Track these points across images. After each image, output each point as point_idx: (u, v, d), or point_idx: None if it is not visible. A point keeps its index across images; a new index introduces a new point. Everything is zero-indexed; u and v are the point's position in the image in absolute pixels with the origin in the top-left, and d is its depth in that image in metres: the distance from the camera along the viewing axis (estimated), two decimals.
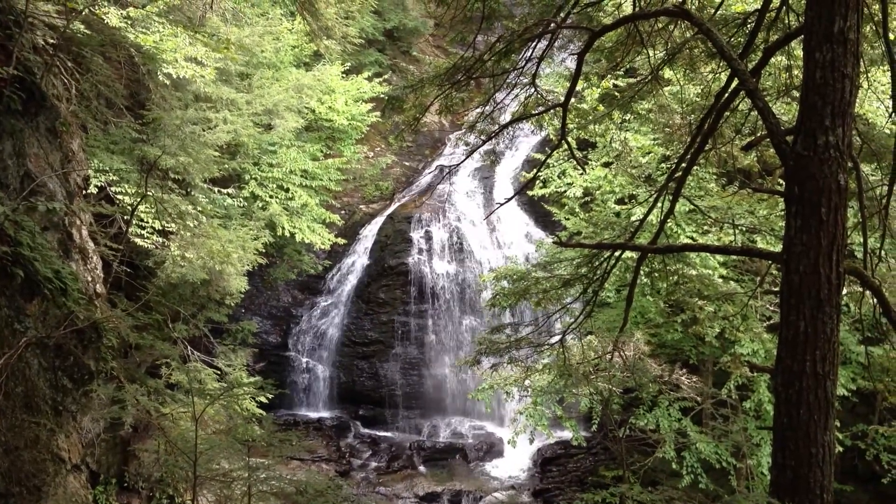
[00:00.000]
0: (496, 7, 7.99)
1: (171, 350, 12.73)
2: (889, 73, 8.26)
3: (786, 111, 10.38)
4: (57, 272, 6.78)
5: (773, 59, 7.36)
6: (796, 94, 8.80)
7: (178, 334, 14.83)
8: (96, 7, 10.32)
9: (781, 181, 12.01)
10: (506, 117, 9.52)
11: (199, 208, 14.47)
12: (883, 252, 7.56)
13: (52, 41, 8.87)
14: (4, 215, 6.38)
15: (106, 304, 9.52)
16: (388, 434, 20.76)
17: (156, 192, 12.76)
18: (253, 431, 7.65)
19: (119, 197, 13.65)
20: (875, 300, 6.13)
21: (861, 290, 7.35)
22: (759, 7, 6.96)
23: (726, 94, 6.84)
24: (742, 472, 12.86)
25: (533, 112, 8.55)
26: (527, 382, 13.15)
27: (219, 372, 15.27)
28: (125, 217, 13.68)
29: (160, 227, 14.12)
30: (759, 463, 12.56)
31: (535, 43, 7.57)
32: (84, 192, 10.97)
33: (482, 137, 8.78)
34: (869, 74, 8.82)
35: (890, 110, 9.29)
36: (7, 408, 6.80)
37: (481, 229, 22.27)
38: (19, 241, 6.56)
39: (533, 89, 8.45)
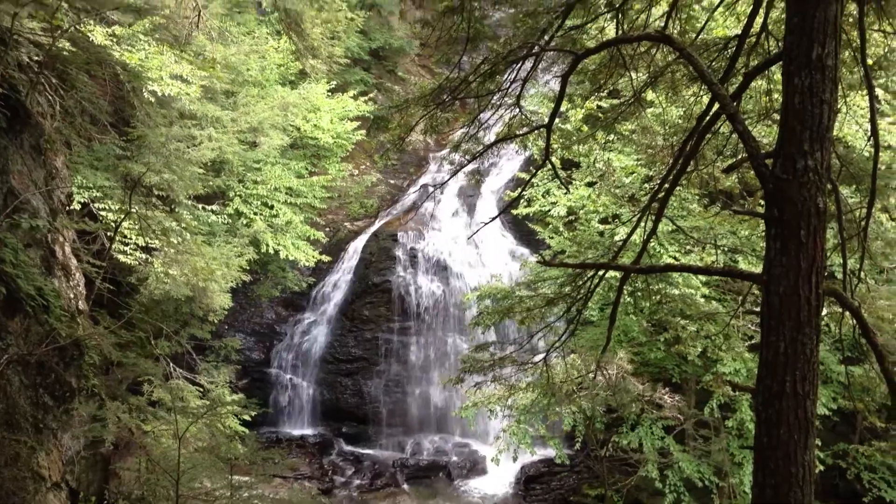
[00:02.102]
0: (481, 29, 8.06)
1: (153, 368, 12.67)
2: (867, 98, 8.41)
3: (766, 133, 10.51)
4: (39, 289, 6.76)
5: (753, 83, 7.45)
6: (776, 117, 8.93)
7: (160, 351, 14.76)
8: (82, 25, 10.33)
9: (763, 202, 12.13)
10: (490, 137, 9.57)
11: (184, 225, 14.45)
12: (862, 273, 7.65)
13: (37, 58, 8.87)
14: None
15: (88, 321, 9.47)
16: (372, 452, 20.68)
17: (140, 208, 12.74)
18: (236, 449, 7.62)
19: (102, 213, 13.62)
20: (854, 321, 6.20)
21: (841, 310, 7.42)
22: (740, 32, 7.06)
23: (708, 117, 6.92)
24: (724, 490, 12.91)
25: (517, 132, 8.60)
26: (510, 400, 13.17)
27: (201, 389, 15.20)
28: (108, 234, 13.64)
29: (143, 244, 14.08)
30: (742, 482, 12.61)
31: (519, 65, 7.64)
32: (67, 208, 10.94)
33: (467, 157, 8.82)
34: (848, 99, 8.96)
35: (868, 133, 9.43)
36: None
37: (466, 247, 22.31)
38: (2, 258, 6.55)
39: (517, 110, 8.51)
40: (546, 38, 7.54)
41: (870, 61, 6.86)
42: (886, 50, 7.67)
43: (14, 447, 7.12)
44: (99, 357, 8.21)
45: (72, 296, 8.90)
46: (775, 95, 8.04)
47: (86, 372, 7.86)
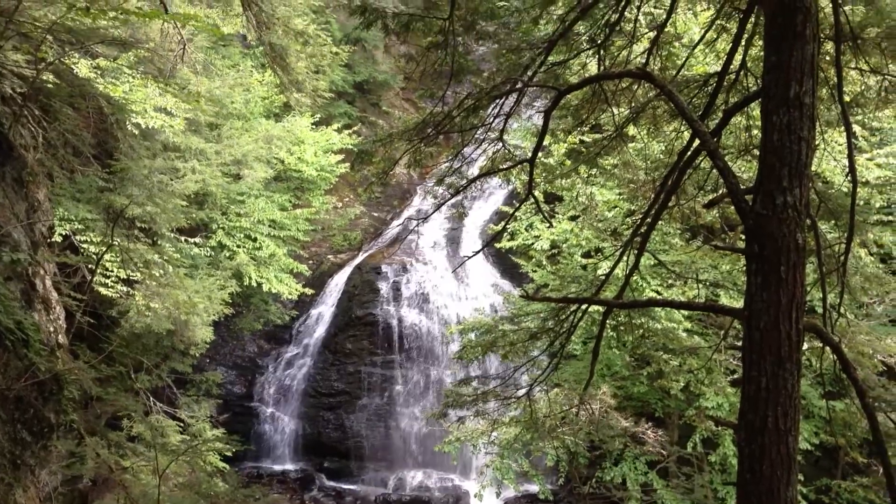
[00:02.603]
0: (465, 64, 8.15)
1: (133, 403, 12.53)
2: (845, 134, 8.53)
3: (746, 168, 10.63)
4: (19, 323, 6.69)
5: (733, 120, 7.55)
6: (756, 152, 9.05)
7: (140, 385, 14.61)
8: (66, 58, 10.33)
9: (743, 237, 12.24)
10: (474, 171, 9.63)
11: (166, 258, 14.37)
12: (842, 308, 7.71)
13: (21, 91, 8.86)
14: None
15: (68, 356, 9.37)
16: (354, 487, 20.46)
17: (122, 241, 12.67)
18: (217, 486, 7.52)
19: (84, 246, 13.53)
20: (834, 356, 6.23)
21: (821, 346, 7.46)
22: (720, 70, 7.17)
23: (689, 153, 7.00)
24: None
25: (501, 167, 8.65)
26: (494, 435, 13.10)
27: (182, 424, 15.03)
28: (89, 266, 13.55)
29: (125, 277, 13.99)
30: None
31: (503, 100, 7.71)
32: (48, 240, 10.87)
33: (450, 191, 8.86)
34: (825, 135, 9.09)
35: (846, 169, 9.55)
36: None
37: (449, 281, 22.31)
38: None
39: (500, 144, 8.57)
40: (529, 73, 7.63)
41: (847, 98, 6.97)
42: (863, 87, 7.79)
43: None
44: (78, 392, 8.11)
45: (52, 329, 8.81)
46: (754, 131, 8.14)
47: (65, 407, 7.75)
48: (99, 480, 14.24)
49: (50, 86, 10.47)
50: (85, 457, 9.50)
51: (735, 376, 12.54)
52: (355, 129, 24.11)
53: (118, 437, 11.02)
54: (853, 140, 7.52)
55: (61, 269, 12.75)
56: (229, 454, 13.55)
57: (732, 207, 10.40)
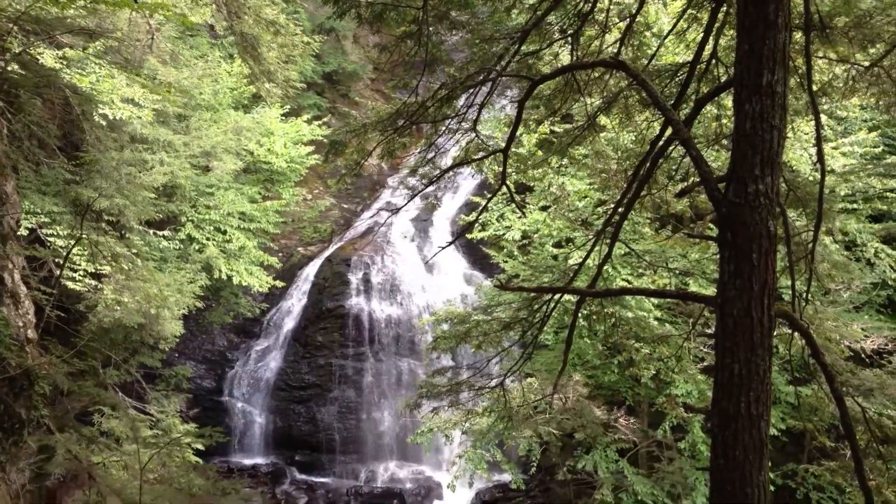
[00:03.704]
0: (438, 54, 8.13)
1: (107, 397, 12.39)
2: (813, 124, 8.66)
3: (715, 158, 10.74)
4: None
5: (703, 110, 7.62)
6: (725, 142, 9.16)
7: (109, 380, 14.45)
8: (31, 48, 10.15)
9: (712, 225, 12.38)
10: (446, 162, 9.64)
11: (135, 251, 14.20)
12: (810, 295, 7.81)
13: None
14: None
15: (37, 350, 9.24)
16: (325, 480, 20.40)
17: (90, 234, 12.49)
18: (192, 480, 7.45)
19: (51, 239, 13.33)
20: (804, 342, 6.33)
21: (790, 332, 7.58)
22: (691, 59, 7.23)
23: (661, 142, 7.06)
24: None
25: (474, 157, 8.67)
26: (467, 425, 13.13)
27: (152, 419, 14.88)
28: (56, 260, 13.35)
29: (93, 270, 13.81)
30: (695, 503, 12.72)
31: (476, 89, 7.71)
32: (16, 233, 10.70)
33: (424, 182, 8.85)
34: (794, 125, 9.21)
35: (814, 158, 9.70)
36: None
37: (420, 272, 22.30)
38: None
39: (474, 134, 8.58)
40: (503, 63, 7.63)
41: (815, 87, 7.06)
42: (831, 76, 7.90)
43: None
44: (49, 387, 7.99)
45: (21, 324, 8.67)
46: (724, 121, 8.23)
47: (36, 402, 7.64)
48: (68, 477, 14.07)
49: (15, 77, 10.28)
50: (56, 452, 9.37)
51: (704, 364, 12.70)
52: (325, 120, 24.00)
53: (91, 433, 10.89)
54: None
55: (28, 263, 12.56)
56: (201, 448, 13.46)
57: (702, 196, 10.55)
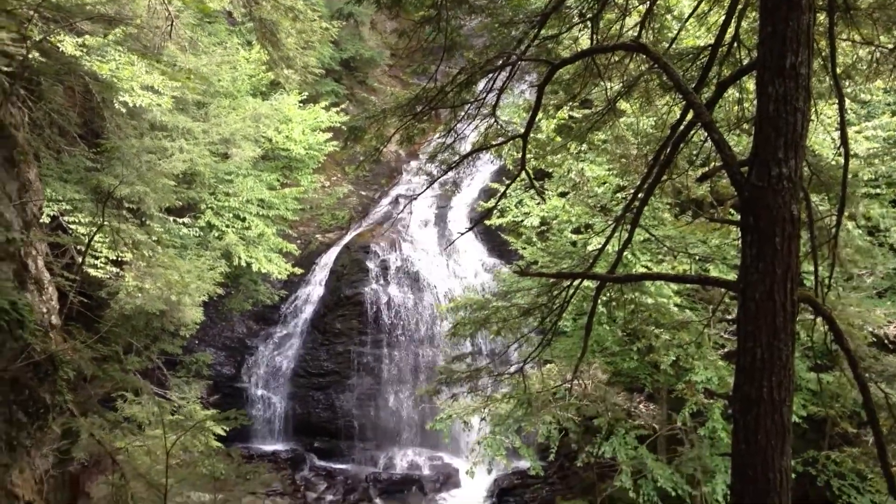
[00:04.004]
0: (457, 39, 8.09)
1: (132, 381, 12.49)
2: (836, 107, 8.56)
3: (737, 142, 10.65)
4: (13, 303, 6.65)
5: (725, 93, 7.55)
6: (746, 126, 9.07)
7: (131, 367, 14.57)
8: (52, 35, 10.20)
9: (732, 211, 12.29)
10: (465, 147, 9.61)
11: (155, 238, 14.28)
12: (832, 281, 7.75)
13: (7, 69, 8.75)
14: None
15: (61, 336, 9.33)
16: (344, 466, 20.53)
17: (111, 221, 12.57)
18: (216, 464, 7.52)
19: (72, 227, 13.43)
20: (827, 327, 6.28)
21: (812, 317, 7.52)
22: (713, 42, 7.16)
23: (682, 126, 7.00)
24: (697, 499, 12.96)
25: (493, 143, 8.64)
26: (486, 412, 13.14)
27: (174, 405, 15.00)
28: (78, 247, 13.46)
29: (114, 258, 13.91)
30: (714, 490, 12.67)
31: (496, 74, 7.68)
32: (39, 220, 10.79)
33: (442, 167, 8.83)
34: (817, 108, 9.11)
35: (837, 142, 9.59)
36: None
37: (438, 259, 22.31)
38: None
39: (493, 120, 8.55)
40: (522, 47, 7.59)
41: (839, 70, 6.98)
42: (854, 59, 7.81)
43: None
44: (73, 372, 8.07)
45: (45, 310, 8.75)
46: (746, 104, 8.16)
47: (60, 388, 7.72)
48: (91, 463, 14.22)
49: (36, 64, 10.34)
50: (80, 437, 9.47)
51: (724, 350, 12.62)
52: (343, 106, 23.98)
53: (114, 417, 10.99)
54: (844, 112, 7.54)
55: (51, 250, 12.67)
56: (223, 433, 13.56)
57: (723, 181, 10.48)
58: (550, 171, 14.94)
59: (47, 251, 10.91)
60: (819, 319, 7.03)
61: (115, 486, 7.89)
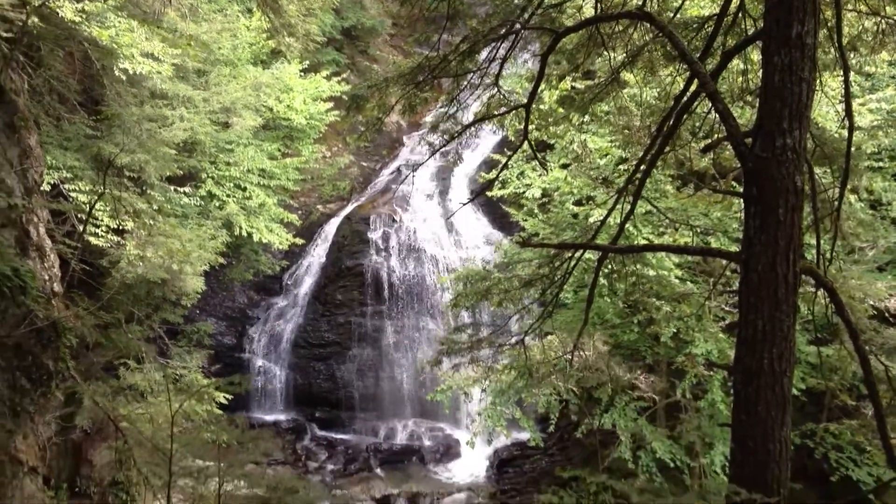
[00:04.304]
0: (460, 7, 8.02)
1: (137, 346, 12.53)
2: (841, 79, 8.50)
3: (740, 114, 10.58)
4: (16, 270, 6.65)
5: (729, 65, 7.49)
6: (750, 98, 9.01)
7: (132, 336, 14.60)
8: (51, 1, 10.10)
9: (735, 183, 12.25)
10: (468, 118, 9.56)
11: (156, 207, 14.25)
12: (834, 253, 7.75)
13: (6, 35, 8.68)
14: None
15: (63, 303, 9.34)
16: (345, 436, 20.65)
17: (112, 189, 12.54)
18: (221, 431, 7.56)
19: (73, 195, 13.40)
20: (828, 299, 6.28)
21: (814, 290, 7.52)
22: (718, 12, 7.09)
23: (685, 97, 6.96)
24: (696, 471, 13.04)
25: (496, 112, 8.59)
26: (486, 383, 13.18)
27: (176, 374, 15.05)
28: (79, 215, 13.43)
29: (116, 226, 13.88)
30: (713, 461, 12.75)
31: (499, 43, 7.62)
32: (40, 187, 10.76)
33: (445, 137, 8.80)
34: (821, 80, 9.04)
35: (841, 115, 9.53)
36: None
37: (439, 230, 22.30)
38: None
39: (496, 90, 8.50)
40: (525, 16, 7.53)
41: (844, 41, 6.92)
42: (860, 30, 7.74)
43: None
44: (76, 339, 8.09)
45: (47, 277, 8.76)
46: (751, 76, 8.10)
47: (62, 355, 7.74)
48: (92, 431, 14.31)
49: (35, 30, 10.26)
50: (83, 405, 9.51)
51: (724, 323, 12.63)
52: (344, 76, 23.81)
53: (117, 384, 11.04)
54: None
55: (53, 217, 12.64)
56: (224, 402, 13.64)
57: (725, 153, 10.43)
58: (552, 142, 14.88)
59: (48, 218, 10.89)
60: (820, 291, 7.02)
61: (118, 450, 7.94)
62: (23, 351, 7.43)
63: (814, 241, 7.04)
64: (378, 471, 19.03)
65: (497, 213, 20.55)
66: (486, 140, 23.93)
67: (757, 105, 5.69)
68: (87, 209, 11.35)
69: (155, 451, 6.13)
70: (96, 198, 10.98)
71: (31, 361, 7.41)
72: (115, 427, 10.04)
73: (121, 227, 14.08)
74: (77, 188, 13.40)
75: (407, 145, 27.55)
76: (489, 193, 16.11)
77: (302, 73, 21.28)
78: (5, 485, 7.49)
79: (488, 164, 22.15)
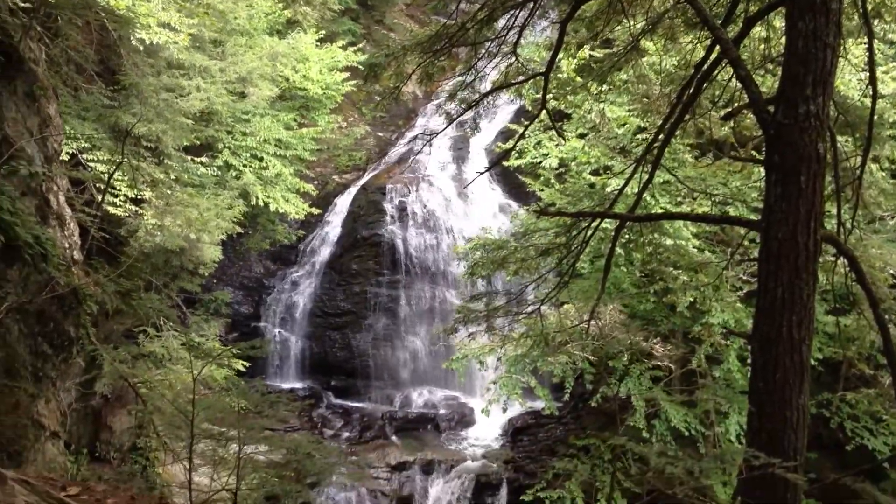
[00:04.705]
0: None
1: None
2: (864, 46, 8.41)
3: (761, 83, 10.48)
4: (37, 237, 6.73)
5: (751, 31, 7.43)
6: (771, 66, 8.94)
7: (150, 304, 14.73)
8: None
9: (754, 152, 12.18)
10: (485, 87, 9.54)
11: (174, 176, 14.32)
12: (855, 222, 7.72)
13: (25, 4, 8.70)
14: None
15: (83, 271, 9.45)
16: (360, 405, 20.82)
17: (130, 159, 12.61)
18: (241, 396, 7.68)
19: (91, 164, 13.48)
20: (848, 268, 6.28)
21: (834, 259, 7.51)
22: None
23: (706, 65, 6.92)
24: (710, 439, 13.11)
25: (514, 81, 8.57)
26: (502, 351, 13.26)
27: (193, 342, 15.20)
28: (97, 185, 13.52)
29: (133, 196, 13.97)
30: (728, 430, 12.80)
31: (517, 11, 7.59)
32: (59, 156, 10.84)
33: (462, 106, 8.79)
34: (844, 47, 8.94)
35: (864, 83, 9.45)
36: None
37: (454, 200, 22.30)
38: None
39: (514, 58, 8.48)
40: None
41: (869, 6, 6.84)
42: None
43: (14, 395, 7.15)
44: (96, 306, 8.21)
45: (67, 245, 8.86)
46: (773, 42, 8.03)
47: (83, 321, 7.86)
48: (112, 397, 14.51)
49: (53, 0, 10.28)
50: (103, 370, 9.66)
51: (742, 293, 12.62)
52: (360, 46, 23.71)
53: (137, 350, 11.19)
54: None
55: (72, 186, 12.73)
56: (243, 369, 13.79)
57: (746, 122, 10.37)
58: (570, 111, 14.81)
59: (68, 187, 10.98)
60: (840, 261, 7.02)
61: (139, 412, 8.07)
62: (45, 317, 7.55)
63: (834, 210, 7.00)
64: (393, 438, 19.21)
65: (513, 184, 20.51)
66: (503, 111, 23.83)
67: (779, 73, 5.66)
68: (106, 178, 11.42)
69: (175, 415, 6.24)
70: (114, 167, 11.04)
71: (52, 328, 7.53)
72: (135, 393, 10.21)
73: (138, 197, 14.17)
74: (95, 158, 13.47)
75: (423, 115, 27.45)
76: (505, 163, 16.08)
77: (318, 43, 21.19)
78: (28, 448, 7.63)
79: (504, 135, 22.04)
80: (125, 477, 12.49)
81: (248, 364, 14.53)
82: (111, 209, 13.72)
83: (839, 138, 8.48)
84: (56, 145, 9.05)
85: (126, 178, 13.45)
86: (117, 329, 13.56)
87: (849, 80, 11.13)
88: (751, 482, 5.14)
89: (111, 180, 12.19)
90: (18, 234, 6.53)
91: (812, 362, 12.22)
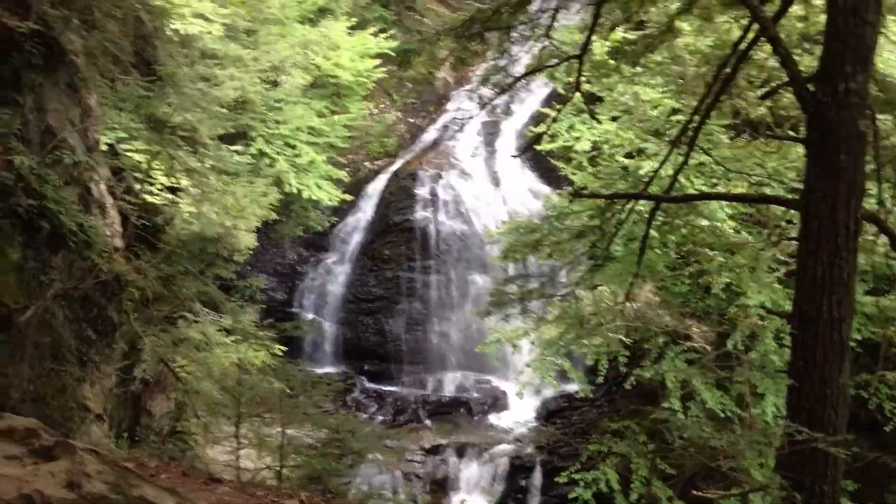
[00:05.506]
0: None
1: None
2: None
3: (798, 62, 10.37)
4: (80, 225, 6.90)
5: (789, 10, 7.36)
6: (808, 46, 8.84)
7: (187, 291, 14.92)
8: None
9: (792, 132, 12.05)
10: (518, 70, 9.54)
11: (210, 164, 14.49)
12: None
13: None
14: (30, 169, 6.47)
15: (124, 258, 9.65)
16: (394, 389, 20.94)
17: (167, 148, 12.80)
18: (281, 377, 7.83)
19: (129, 154, 13.67)
20: (890, 246, 6.24)
21: (874, 238, 7.46)
22: None
23: (743, 44, 6.88)
24: (746, 421, 13.05)
25: (547, 64, 8.58)
26: (535, 335, 13.28)
27: (230, 328, 15.40)
28: (135, 174, 13.71)
29: (170, 184, 14.15)
30: (764, 412, 12.74)
31: None
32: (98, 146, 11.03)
33: (496, 90, 8.82)
34: (885, 23, 8.82)
35: None
36: (35, 357, 6.95)
37: (486, 185, 22.30)
38: (44, 195, 6.66)
39: (547, 41, 8.48)
40: None
41: None
42: None
43: (61, 378, 7.34)
44: (138, 292, 8.39)
45: (108, 233, 9.06)
46: (811, 19, 7.95)
47: (125, 307, 8.05)
48: (152, 382, 14.75)
49: None
50: (142, 357, 9.87)
51: (777, 273, 12.52)
52: (391, 33, 23.73)
53: (179, 335, 11.39)
54: None
55: (113, 175, 12.93)
56: (280, 353, 13.97)
57: (784, 101, 10.26)
58: (602, 94, 14.75)
59: (109, 176, 11.18)
60: (880, 240, 6.98)
61: (182, 392, 8.26)
62: (88, 303, 7.74)
63: (875, 189, 6.95)
64: (427, 422, 19.32)
65: (544, 168, 20.47)
66: (534, 95, 23.73)
67: (816, 52, 5.63)
68: (145, 167, 11.60)
69: (221, 394, 6.37)
70: (153, 155, 11.21)
71: (96, 313, 7.73)
72: (175, 377, 10.40)
73: (175, 186, 14.35)
74: (133, 148, 13.66)
75: (454, 101, 27.42)
76: (537, 147, 16.05)
77: (349, 31, 21.26)
78: (74, 430, 7.82)
79: (536, 119, 21.99)
80: (169, 456, 12.74)
81: (284, 349, 14.70)
82: (148, 198, 13.92)
83: (879, 116, 8.39)
84: (96, 135, 9.22)
85: (163, 167, 13.64)
86: (157, 315, 13.75)
87: (888, 58, 10.95)
88: (791, 457, 5.17)
89: (150, 168, 12.38)
90: (63, 223, 6.70)
91: (850, 343, 12.17)
